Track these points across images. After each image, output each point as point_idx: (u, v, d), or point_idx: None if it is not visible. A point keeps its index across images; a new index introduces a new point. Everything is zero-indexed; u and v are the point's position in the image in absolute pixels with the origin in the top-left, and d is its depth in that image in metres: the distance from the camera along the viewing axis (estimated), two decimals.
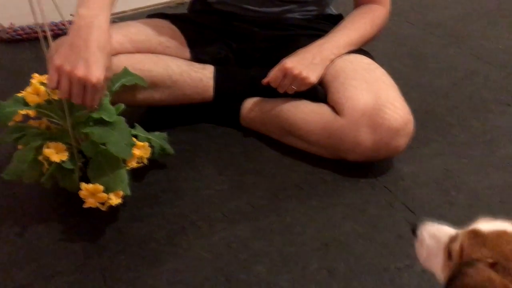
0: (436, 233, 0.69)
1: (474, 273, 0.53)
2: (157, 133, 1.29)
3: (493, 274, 0.53)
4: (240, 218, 1.18)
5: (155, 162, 1.32)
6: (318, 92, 1.43)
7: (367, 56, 1.42)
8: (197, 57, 1.49)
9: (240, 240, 1.12)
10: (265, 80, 1.38)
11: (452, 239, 0.65)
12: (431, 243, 0.69)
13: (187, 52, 1.49)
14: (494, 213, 1.18)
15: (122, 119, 1.13)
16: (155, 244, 1.11)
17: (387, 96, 1.26)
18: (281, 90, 1.37)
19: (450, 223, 1.14)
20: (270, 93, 1.41)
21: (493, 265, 0.56)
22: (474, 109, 1.58)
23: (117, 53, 1.32)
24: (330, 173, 1.31)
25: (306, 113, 1.35)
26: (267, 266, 1.05)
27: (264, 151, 1.42)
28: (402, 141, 1.25)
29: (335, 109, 1.31)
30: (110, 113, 1.10)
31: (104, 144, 1.07)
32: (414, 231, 0.72)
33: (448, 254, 0.64)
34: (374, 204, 1.21)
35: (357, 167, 1.30)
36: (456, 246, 0.62)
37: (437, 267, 0.67)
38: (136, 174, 1.25)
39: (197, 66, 1.46)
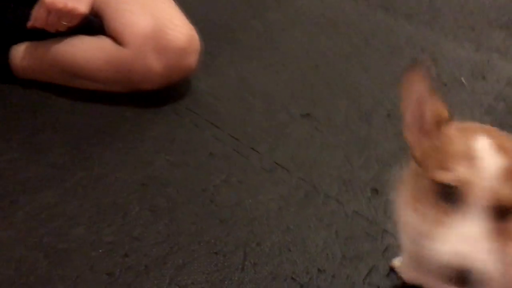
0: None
1: None
2: None
3: None
4: (43, 184, 1.07)
5: None
6: (95, 25, 1.30)
7: None
8: None
9: (49, 208, 1.02)
10: (29, 24, 1.20)
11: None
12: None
13: None
14: (286, 106, 1.28)
15: None
16: None
17: (165, 15, 1.20)
18: (51, 29, 1.21)
19: (252, 128, 1.21)
20: (41, 34, 1.24)
21: None
22: (252, 7, 1.61)
23: None
24: (130, 109, 1.25)
25: (86, 51, 1.23)
26: (86, 226, 0.99)
27: (52, 101, 1.27)
28: (191, 59, 1.23)
29: (116, 40, 1.21)
30: None
31: None
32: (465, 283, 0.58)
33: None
34: (181, 129, 1.20)
35: (156, 95, 1.26)
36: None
37: None
38: None
39: None
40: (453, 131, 0.62)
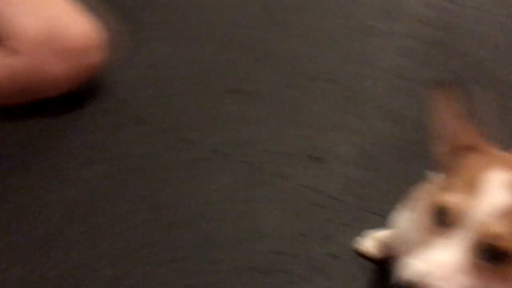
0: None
1: None
2: None
3: None
4: None
5: None
6: None
7: None
8: None
9: None
10: None
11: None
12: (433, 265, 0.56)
13: None
14: (209, 85, 1.22)
15: None
16: None
17: (58, 14, 1.07)
18: None
19: (178, 116, 1.14)
20: None
21: None
22: None
23: None
24: (39, 121, 1.13)
25: None
26: (24, 265, 0.90)
27: None
28: (94, 56, 1.12)
29: (6, 48, 1.07)
30: None
31: None
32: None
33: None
34: (101, 133, 1.11)
35: (65, 101, 1.14)
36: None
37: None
38: None
39: None
40: (476, 158, 0.59)
